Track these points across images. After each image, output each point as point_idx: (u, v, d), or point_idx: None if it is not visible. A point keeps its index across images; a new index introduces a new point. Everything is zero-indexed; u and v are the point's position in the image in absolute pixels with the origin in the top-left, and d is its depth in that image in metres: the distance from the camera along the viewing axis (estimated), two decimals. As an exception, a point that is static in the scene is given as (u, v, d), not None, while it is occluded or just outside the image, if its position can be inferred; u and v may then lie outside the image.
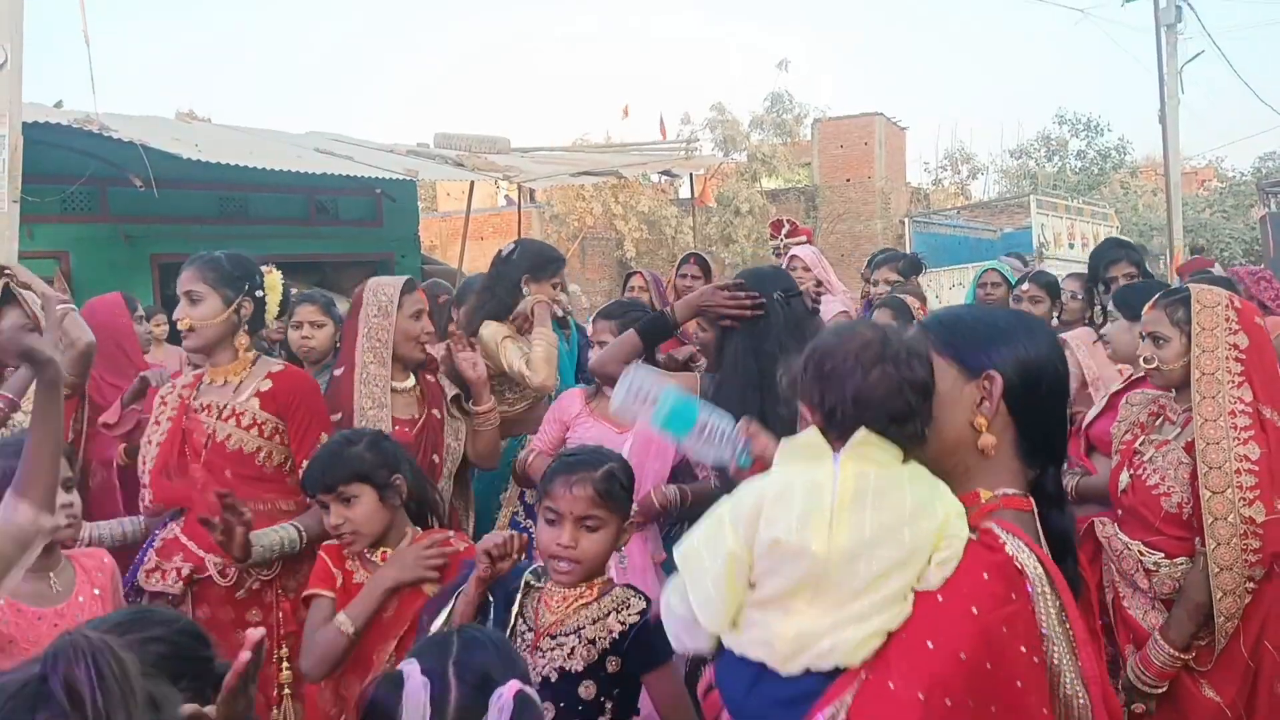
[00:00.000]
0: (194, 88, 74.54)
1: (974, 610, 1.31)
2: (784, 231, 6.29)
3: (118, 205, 7.98)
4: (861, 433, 1.41)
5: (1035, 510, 1.48)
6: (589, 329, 3.37)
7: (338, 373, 3.09)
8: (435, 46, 72.27)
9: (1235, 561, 2.39)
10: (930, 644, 1.31)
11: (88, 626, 1.23)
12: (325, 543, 2.45)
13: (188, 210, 8.40)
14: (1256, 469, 2.40)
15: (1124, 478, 2.77)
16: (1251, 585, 2.41)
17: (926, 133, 77.09)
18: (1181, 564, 2.56)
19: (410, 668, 1.52)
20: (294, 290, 3.40)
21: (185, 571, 2.68)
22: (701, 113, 24.54)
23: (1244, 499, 2.39)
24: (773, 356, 2.65)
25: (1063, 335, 4.20)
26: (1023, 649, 1.32)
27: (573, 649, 1.98)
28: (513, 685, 1.52)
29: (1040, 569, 1.37)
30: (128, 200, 7.71)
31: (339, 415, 2.94)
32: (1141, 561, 2.65)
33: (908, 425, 1.44)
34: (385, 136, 19.06)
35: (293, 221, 9.46)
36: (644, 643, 1.97)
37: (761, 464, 1.80)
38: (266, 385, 2.80)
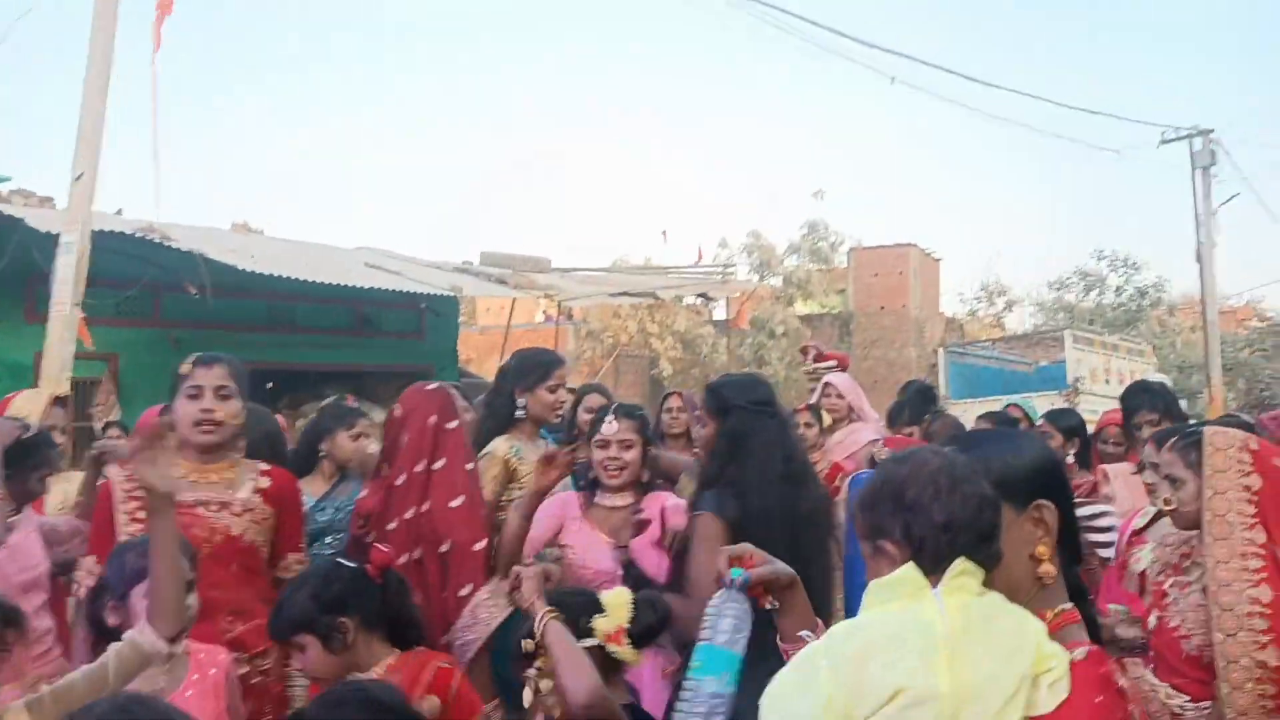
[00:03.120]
0: (250, 200, 77.64)
1: None
2: (811, 356, 6.37)
3: (169, 310, 8.30)
4: (960, 562, 1.40)
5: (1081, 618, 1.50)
6: (609, 427, 3.32)
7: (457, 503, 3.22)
8: (482, 166, 75.16)
9: (1251, 706, 2.34)
10: None
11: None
12: None
13: (237, 318, 8.69)
14: (1268, 612, 2.37)
15: (1152, 619, 2.75)
16: None
17: (962, 263, 78.02)
18: (1206, 708, 2.52)
19: None
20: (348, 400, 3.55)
21: None
22: (738, 238, 25.06)
23: (1256, 642, 2.36)
24: (794, 458, 2.74)
25: (1103, 467, 4.23)
26: None
27: None
28: None
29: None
30: (179, 306, 8.02)
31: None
32: (1168, 704, 2.61)
33: (993, 544, 1.43)
34: (432, 253, 19.69)
35: (338, 331, 9.75)
36: None
37: (758, 587, 1.82)
38: (266, 482, 2.92)
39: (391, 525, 3.18)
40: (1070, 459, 4.67)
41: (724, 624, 1.79)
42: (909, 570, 1.41)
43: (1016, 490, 1.50)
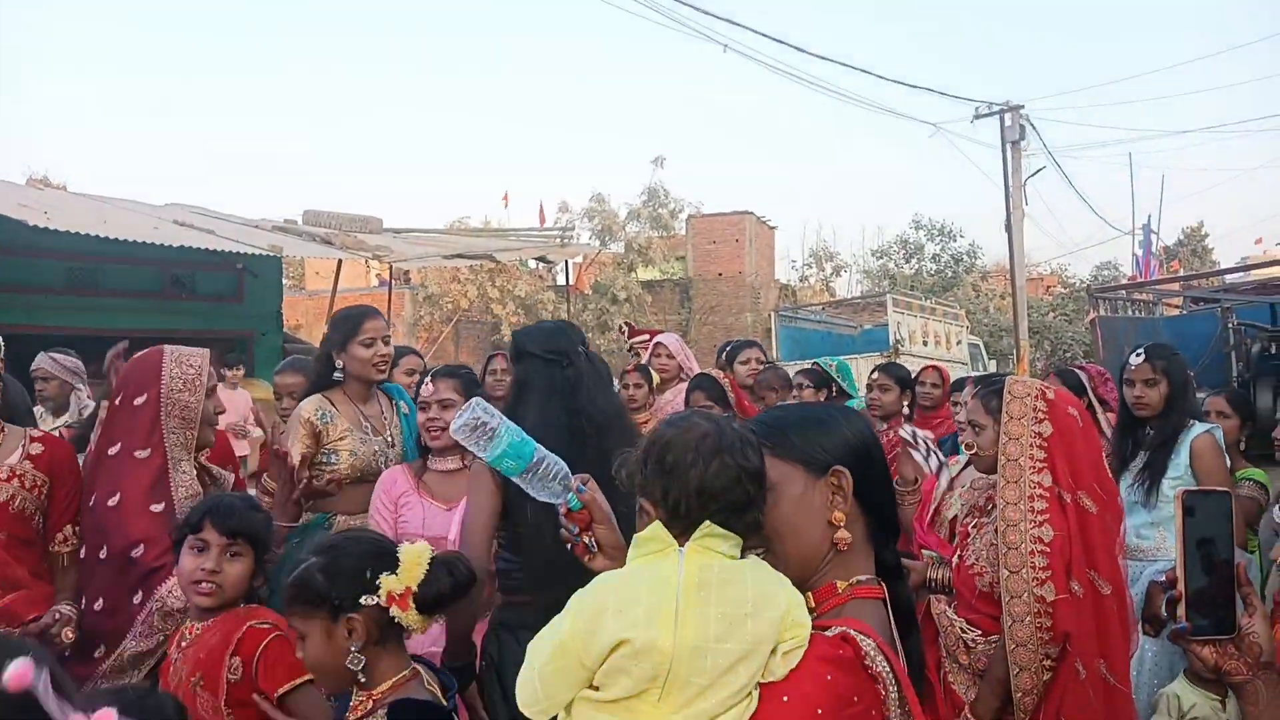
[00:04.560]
0: (50, 154, 71.50)
1: (819, 712, 1.32)
2: (627, 335, 6.89)
3: (-43, 272, 7.57)
4: (706, 525, 1.43)
5: (885, 594, 1.53)
6: (426, 388, 3.25)
7: (142, 454, 2.82)
8: (309, 122, 71.77)
9: (1030, 639, 2.51)
10: None
11: None
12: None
13: (33, 280, 8.02)
14: (1049, 550, 2.54)
15: (955, 559, 2.91)
16: (1049, 664, 2.52)
17: (794, 231, 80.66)
18: (995, 640, 2.68)
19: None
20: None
21: None
22: (580, 201, 25.00)
23: (1037, 579, 2.53)
24: (583, 411, 2.69)
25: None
26: None
27: None
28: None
29: (890, 671, 1.39)
30: (-36, 267, 7.32)
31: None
32: (962, 638, 2.77)
33: (747, 514, 1.46)
34: (252, 211, 18.73)
35: (147, 295, 9.13)
36: None
37: (590, 511, 1.78)
38: (37, 449, 2.79)
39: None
40: (904, 409, 5.14)
41: (482, 430, 1.79)
42: (658, 529, 1.46)
43: (814, 458, 1.53)
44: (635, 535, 1.51)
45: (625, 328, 6.82)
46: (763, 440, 1.54)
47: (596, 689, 1.40)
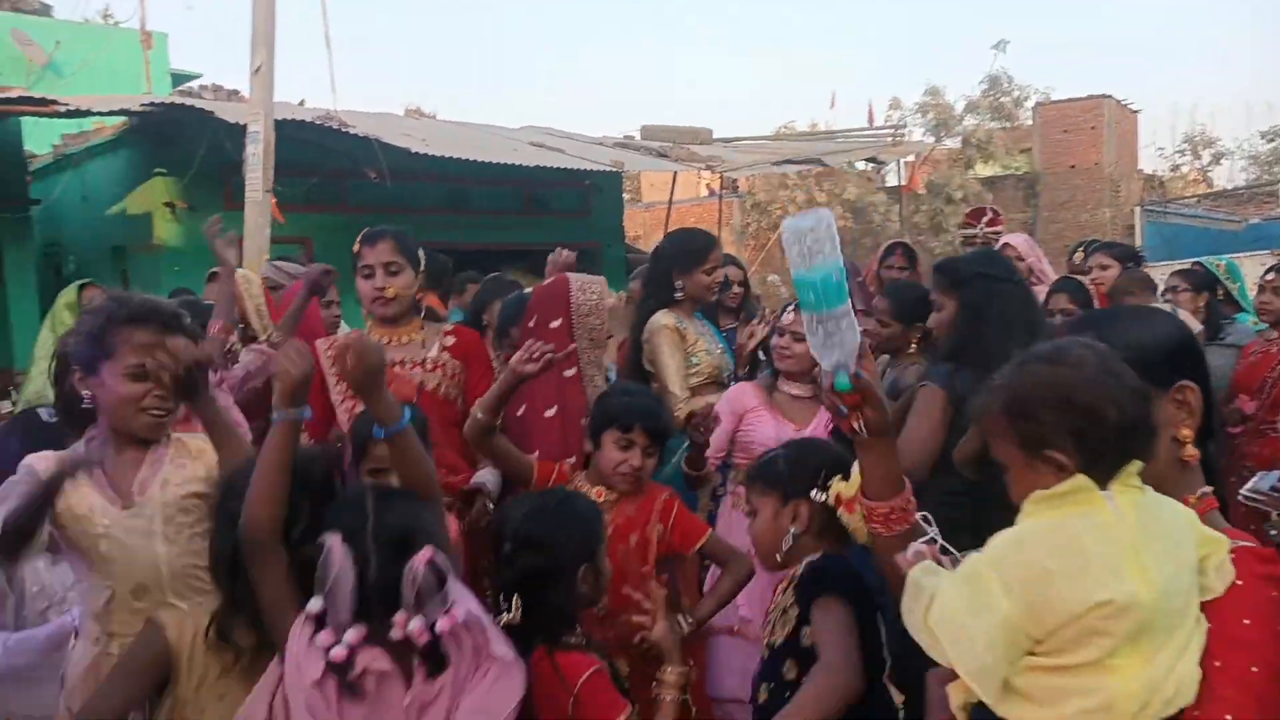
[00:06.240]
0: (420, 84, 79.41)
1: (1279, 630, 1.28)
2: (984, 220, 6.01)
3: (355, 196, 8.71)
4: (1134, 464, 1.34)
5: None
6: (786, 316, 3.27)
7: (569, 373, 3.16)
8: (645, 39, 73.72)
9: None
10: (1254, 669, 1.27)
11: None
12: None
13: (416, 201, 9.04)
14: None
15: None
16: None
17: (1160, 116, 71.07)
18: None
19: (333, 539, 1.59)
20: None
21: None
22: (913, 98, 23.72)
23: None
24: (1038, 332, 2.61)
25: None
26: None
27: (774, 624, 2.02)
28: (425, 554, 1.58)
29: None
30: (363, 191, 8.41)
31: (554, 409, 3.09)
32: None
33: (1155, 437, 1.38)
34: (594, 129, 19.74)
35: (508, 212, 10.00)
36: (810, 577, 1.98)
37: (863, 394, 1.62)
38: (451, 340, 3.16)
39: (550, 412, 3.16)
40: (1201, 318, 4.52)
41: (812, 247, 1.58)
42: (1077, 480, 1.32)
43: (1158, 371, 1.43)
44: (1040, 493, 1.36)
45: (990, 211, 6.03)
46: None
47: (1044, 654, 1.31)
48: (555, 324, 3.17)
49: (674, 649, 2.14)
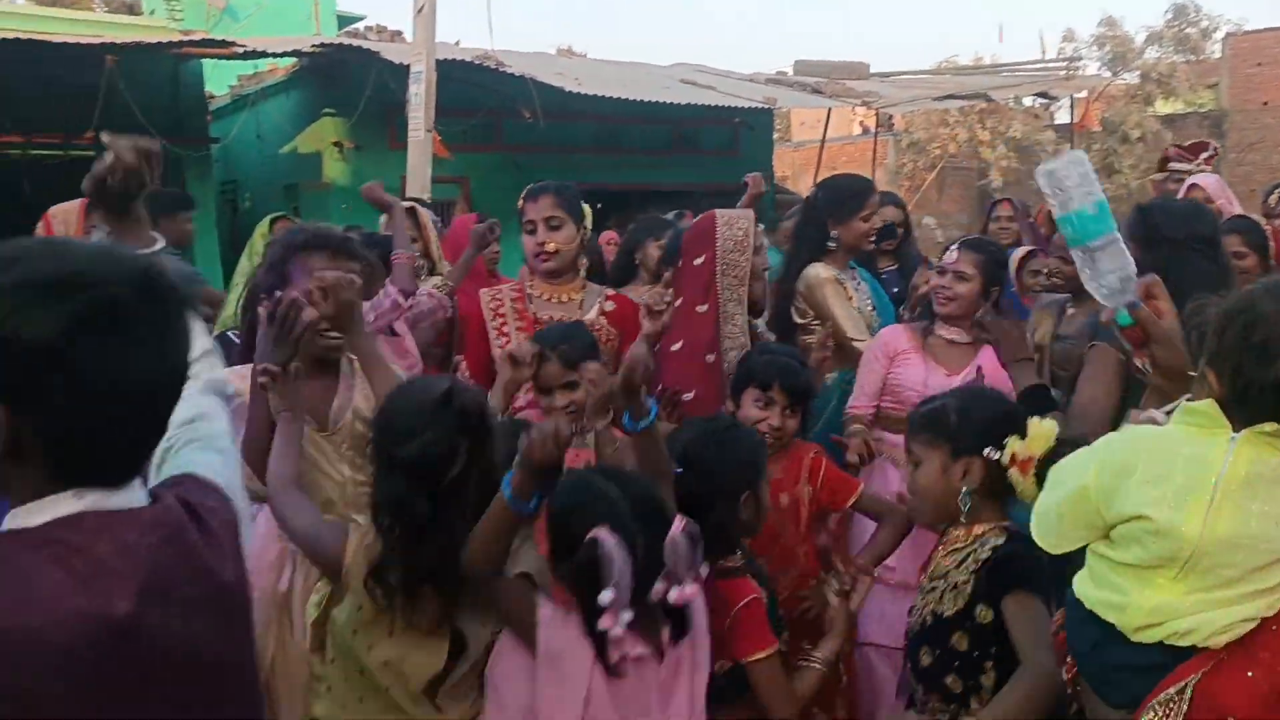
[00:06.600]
0: (571, 24, 79.52)
1: None
2: (1203, 156, 5.13)
3: (510, 135, 8.85)
4: (1272, 425, 1.30)
5: None
6: (949, 255, 3.14)
7: (702, 309, 3.10)
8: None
9: None
10: None
11: None
12: None
13: (569, 141, 9.11)
14: None
15: None
16: None
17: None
18: None
19: (602, 533, 1.59)
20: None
21: None
22: (1088, 28, 22.19)
23: None
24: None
25: None
26: None
27: (943, 593, 1.91)
28: (679, 524, 1.61)
29: None
30: (518, 131, 8.54)
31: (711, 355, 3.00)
32: None
33: None
34: (746, 66, 19.28)
35: (657, 151, 9.96)
36: (1002, 566, 1.83)
37: (1146, 329, 1.63)
38: (610, 305, 3.07)
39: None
40: None
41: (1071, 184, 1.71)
42: (1212, 405, 1.35)
43: None
44: (1188, 404, 1.42)
45: (1188, 149, 5.19)
46: None
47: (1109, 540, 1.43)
48: (699, 260, 3.11)
49: (843, 624, 2.11)
